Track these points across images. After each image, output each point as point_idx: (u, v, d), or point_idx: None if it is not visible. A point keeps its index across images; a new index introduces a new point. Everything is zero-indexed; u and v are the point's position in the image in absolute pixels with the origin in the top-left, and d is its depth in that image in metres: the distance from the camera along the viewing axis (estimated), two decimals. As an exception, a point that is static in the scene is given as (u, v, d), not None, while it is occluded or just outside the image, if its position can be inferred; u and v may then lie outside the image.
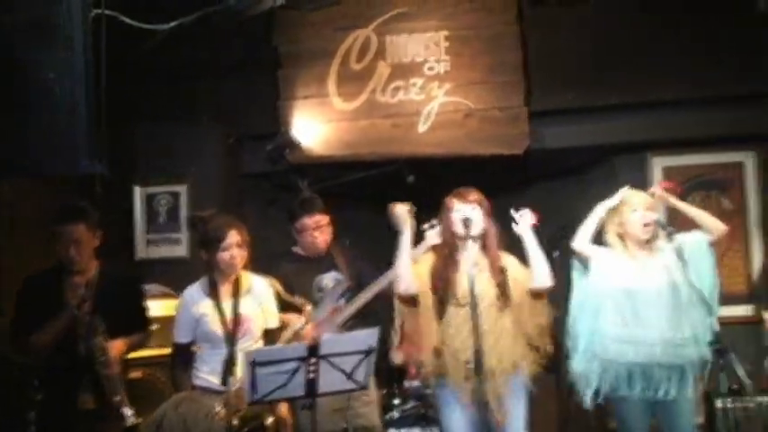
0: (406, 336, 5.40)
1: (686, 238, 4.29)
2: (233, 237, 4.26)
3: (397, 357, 5.33)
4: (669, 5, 5.92)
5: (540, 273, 4.13)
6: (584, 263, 4.38)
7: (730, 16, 5.82)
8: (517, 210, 4.17)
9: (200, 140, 6.37)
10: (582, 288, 4.40)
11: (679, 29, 5.92)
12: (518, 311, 4.13)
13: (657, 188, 4.51)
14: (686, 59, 5.91)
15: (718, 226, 4.35)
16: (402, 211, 4.24)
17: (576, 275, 4.44)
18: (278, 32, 6.26)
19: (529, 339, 4.14)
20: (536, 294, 4.17)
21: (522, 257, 4.23)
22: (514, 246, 4.25)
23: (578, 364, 4.34)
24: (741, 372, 3.89)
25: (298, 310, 4.49)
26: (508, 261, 4.21)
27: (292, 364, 3.67)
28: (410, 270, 4.15)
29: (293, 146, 6.12)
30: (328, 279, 4.91)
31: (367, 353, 3.83)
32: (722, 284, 5.64)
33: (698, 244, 4.30)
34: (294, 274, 4.80)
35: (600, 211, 4.39)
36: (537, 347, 4.15)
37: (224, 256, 4.26)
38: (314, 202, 4.96)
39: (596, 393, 4.29)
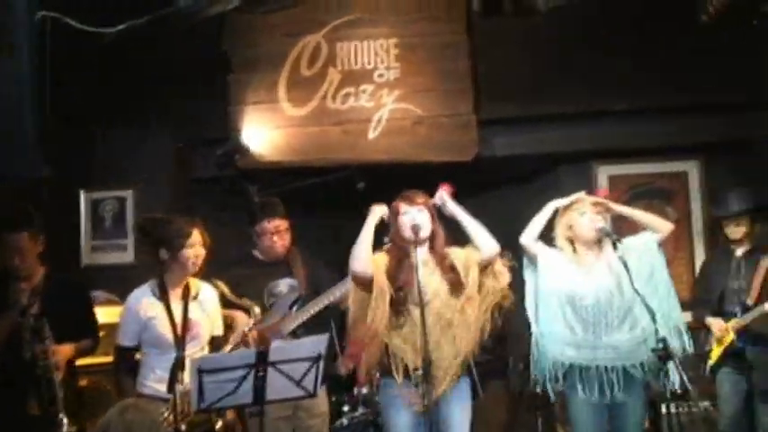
0: (355, 338, 5.41)
1: (635, 241, 4.36)
2: (197, 235, 4.26)
3: (344, 366, 5.31)
4: (615, 19, 6.04)
5: (483, 241, 4.14)
6: (533, 260, 4.42)
7: (673, 29, 5.95)
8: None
9: (148, 145, 6.32)
10: (533, 284, 4.44)
11: (624, 41, 6.03)
12: (473, 306, 4.15)
13: (597, 197, 4.54)
14: (631, 71, 6.02)
15: (664, 224, 4.44)
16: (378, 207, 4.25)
17: (527, 274, 4.48)
18: (228, 37, 6.23)
19: (483, 329, 4.15)
20: (489, 263, 4.18)
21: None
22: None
23: (535, 366, 4.39)
24: (685, 377, 3.95)
25: (245, 311, 4.46)
26: (453, 252, 4.24)
27: (240, 372, 3.64)
28: (369, 252, 4.14)
29: (243, 151, 6.10)
30: (283, 285, 4.90)
31: (316, 360, 3.82)
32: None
33: (647, 245, 4.37)
34: (248, 278, 4.79)
35: (550, 208, 4.45)
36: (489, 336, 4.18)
37: (188, 253, 4.23)
38: (275, 206, 4.94)
39: (549, 395, 4.34)
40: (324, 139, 6.11)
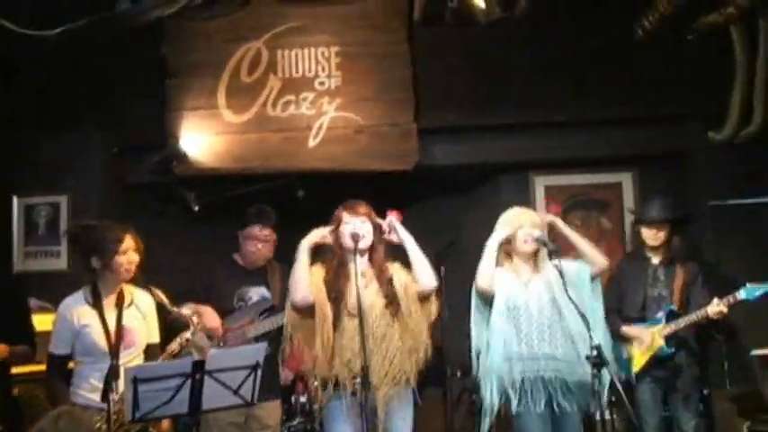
0: (294, 350, 5.39)
1: (570, 266, 4.40)
2: (129, 241, 4.20)
3: (283, 375, 5.28)
4: (554, 32, 6.13)
5: (423, 274, 4.17)
6: (488, 299, 4.45)
7: (611, 42, 6.07)
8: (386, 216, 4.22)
9: (83, 150, 6.21)
10: (480, 307, 4.47)
11: (563, 54, 6.13)
12: (407, 320, 4.16)
13: (548, 214, 4.61)
14: (569, 83, 6.13)
15: (602, 260, 4.51)
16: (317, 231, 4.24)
17: (477, 313, 4.49)
18: (168, 42, 6.16)
19: (416, 345, 4.17)
20: (423, 296, 4.21)
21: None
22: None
23: (481, 378, 4.41)
24: (619, 385, 4.02)
25: (183, 320, 4.43)
26: (395, 268, 4.25)
27: (176, 381, 3.60)
28: (308, 280, 4.13)
29: (180, 158, 6.02)
30: (254, 293, 4.93)
31: (254, 368, 3.79)
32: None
33: (580, 274, 4.43)
34: (222, 279, 4.88)
35: (493, 245, 4.46)
36: (424, 353, 4.19)
37: (122, 259, 4.17)
38: (270, 215, 5.00)
39: (494, 408, 4.36)
40: (264, 146, 6.07)
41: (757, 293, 5.00)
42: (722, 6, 5.60)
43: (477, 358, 4.48)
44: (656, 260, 5.39)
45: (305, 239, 4.18)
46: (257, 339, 4.75)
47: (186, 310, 4.39)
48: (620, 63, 6.11)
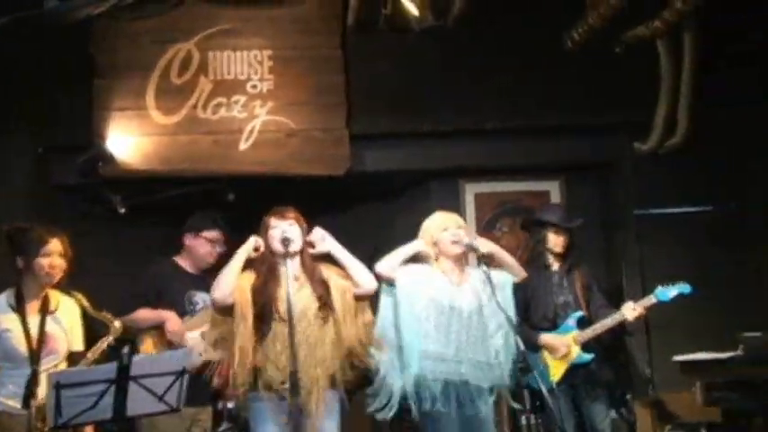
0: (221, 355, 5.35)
1: (495, 275, 4.44)
2: (55, 244, 4.15)
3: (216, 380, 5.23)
4: (486, 39, 6.20)
5: (361, 277, 4.19)
6: (391, 284, 4.45)
7: (540, 52, 6.17)
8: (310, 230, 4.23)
9: (8, 149, 6.04)
10: (388, 305, 4.46)
11: (494, 62, 6.20)
12: (341, 323, 4.16)
13: (464, 238, 4.57)
14: (500, 91, 6.19)
15: (521, 271, 4.60)
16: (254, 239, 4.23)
17: (383, 296, 4.50)
18: (96, 41, 6.02)
19: (351, 349, 4.17)
20: (365, 298, 4.23)
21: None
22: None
23: (395, 380, 4.41)
24: (544, 389, 4.08)
25: (104, 326, 4.37)
26: (330, 272, 4.25)
27: (100, 386, 3.53)
28: (234, 282, 4.10)
29: (107, 159, 5.90)
30: (200, 297, 4.92)
31: (179, 374, 3.75)
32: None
33: (503, 283, 4.49)
34: (173, 282, 4.91)
35: (408, 251, 4.48)
36: (358, 357, 4.19)
37: (43, 262, 4.09)
38: (224, 221, 5.09)
39: (410, 410, 4.37)
40: (193, 148, 5.99)
41: (671, 294, 5.13)
42: (649, 20, 5.73)
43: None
44: (556, 267, 5.43)
45: (244, 248, 4.17)
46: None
47: (107, 315, 4.30)
48: (550, 73, 6.20)
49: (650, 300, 5.15)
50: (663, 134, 6.15)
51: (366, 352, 4.23)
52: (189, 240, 5.07)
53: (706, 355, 4.89)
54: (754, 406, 4.59)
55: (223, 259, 4.74)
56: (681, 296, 5.18)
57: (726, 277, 6.18)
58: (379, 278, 4.42)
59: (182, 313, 4.87)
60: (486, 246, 4.50)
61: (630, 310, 5.13)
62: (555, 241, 5.39)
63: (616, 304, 5.36)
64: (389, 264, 4.43)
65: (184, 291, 4.95)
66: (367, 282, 4.21)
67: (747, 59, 6.13)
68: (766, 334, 4.56)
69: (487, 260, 4.35)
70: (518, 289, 5.13)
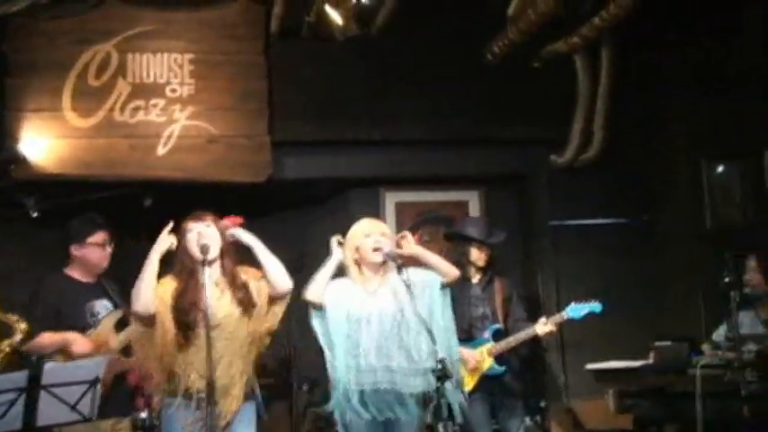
0: (135, 363, 5.26)
1: (419, 274, 4.46)
2: None
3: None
4: (409, 50, 6.25)
5: (277, 276, 4.15)
6: (320, 308, 4.44)
7: (462, 65, 6.25)
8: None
9: None
10: (323, 331, 4.44)
11: (417, 73, 6.26)
12: (261, 325, 4.13)
13: (385, 247, 4.57)
14: (421, 103, 6.26)
15: (452, 270, 4.59)
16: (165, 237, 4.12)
17: (315, 322, 4.46)
18: (9, 39, 5.84)
19: (260, 338, 4.15)
20: (278, 298, 4.19)
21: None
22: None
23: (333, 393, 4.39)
24: (459, 398, 4.12)
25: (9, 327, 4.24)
26: (249, 274, 4.21)
27: (9, 395, 3.42)
28: (152, 291, 4.02)
29: (19, 160, 5.73)
30: (100, 306, 4.76)
31: (93, 383, 3.66)
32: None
33: (430, 283, 4.49)
34: (69, 297, 4.68)
35: (331, 265, 4.46)
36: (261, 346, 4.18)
37: None
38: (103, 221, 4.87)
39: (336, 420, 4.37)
40: (110, 152, 5.86)
41: (582, 313, 5.26)
42: (568, 36, 5.87)
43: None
44: (475, 279, 5.51)
45: (154, 248, 4.07)
46: (124, 351, 4.65)
47: (12, 318, 4.17)
48: (471, 86, 6.30)
49: (562, 317, 5.28)
50: (579, 148, 6.30)
51: (268, 342, 4.20)
52: (76, 251, 4.81)
53: (618, 363, 5.01)
54: (665, 413, 4.71)
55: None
56: (591, 314, 5.32)
57: (638, 287, 6.37)
58: (310, 303, 4.41)
59: (84, 326, 4.71)
60: (410, 248, 4.52)
61: (542, 326, 5.24)
62: (477, 256, 5.44)
63: (534, 313, 5.46)
64: (317, 290, 4.38)
65: (83, 303, 4.74)
66: (282, 282, 4.16)
67: (662, 75, 6.34)
68: (676, 343, 4.68)
69: (406, 267, 4.35)
70: None
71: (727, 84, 6.14)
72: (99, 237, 4.80)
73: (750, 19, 5.88)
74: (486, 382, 5.33)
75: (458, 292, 5.31)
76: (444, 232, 5.89)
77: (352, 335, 4.36)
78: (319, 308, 4.39)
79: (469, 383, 5.30)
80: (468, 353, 5.29)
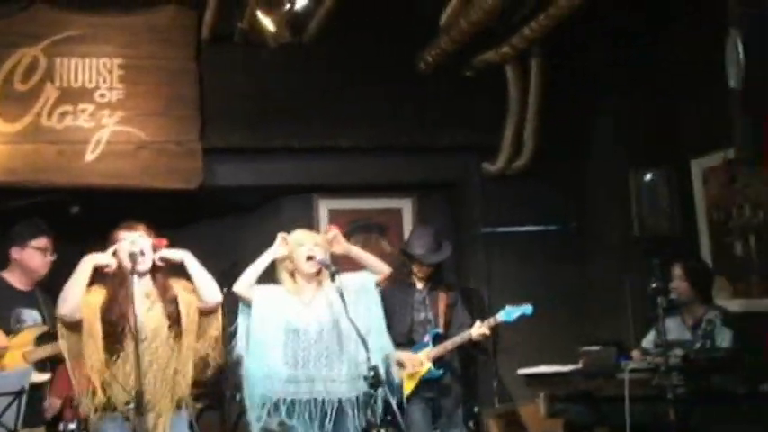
0: (64, 373, 5.15)
1: (353, 278, 4.48)
2: None
3: (50, 401, 5.00)
4: (343, 58, 6.26)
5: (206, 289, 4.11)
6: (247, 304, 4.42)
7: (394, 73, 6.28)
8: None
9: None
10: (245, 329, 4.43)
11: (350, 81, 6.26)
12: (191, 339, 4.09)
13: (331, 232, 4.63)
14: (354, 110, 6.26)
15: (384, 267, 4.63)
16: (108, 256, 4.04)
17: (241, 318, 4.45)
18: (-69, 42, 5.69)
19: (200, 362, 4.10)
20: (208, 312, 4.15)
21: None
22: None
23: (250, 403, 4.35)
24: (395, 403, 4.13)
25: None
26: (179, 286, 4.16)
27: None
28: (81, 296, 3.94)
29: (-59, 166, 5.57)
30: (27, 315, 4.73)
31: (18, 394, 3.57)
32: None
33: (364, 284, 4.52)
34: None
35: (266, 258, 4.46)
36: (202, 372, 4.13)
37: None
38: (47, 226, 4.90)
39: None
40: (37, 158, 5.71)
41: (515, 315, 5.39)
42: (499, 46, 5.94)
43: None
44: (420, 285, 5.62)
45: (90, 257, 4.00)
46: (38, 364, 4.60)
47: None
48: (404, 94, 6.34)
49: (497, 319, 5.39)
50: (510, 156, 6.38)
51: (209, 368, 4.17)
52: (17, 254, 4.80)
53: (549, 368, 5.08)
54: (594, 417, 4.78)
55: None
56: (523, 317, 5.42)
57: (568, 293, 6.48)
58: (237, 298, 4.38)
59: (7, 331, 4.63)
60: (341, 247, 4.55)
61: (476, 329, 5.36)
62: (419, 268, 5.63)
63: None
64: (245, 282, 4.39)
65: (12, 308, 4.71)
66: (210, 296, 4.13)
67: (592, 86, 6.46)
68: (604, 348, 4.76)
69: (339, 274, 4.35)
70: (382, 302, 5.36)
71: (655, 94, 6.30)
72: (41, 242, 4.80)
73: (677, 31, 6.05)
74: (426, 387, 5.44)
75: (402, 296, 5.49)
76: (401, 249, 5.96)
77: (289, 344, 4.35)
78: (248, 304, 4.37)
79: (408, 387, 5.43)
80: (406, 356, 5.37)
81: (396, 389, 5.42)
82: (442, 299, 5.62)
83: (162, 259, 4.13)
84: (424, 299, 5.61)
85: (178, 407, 4.05)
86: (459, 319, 5.59)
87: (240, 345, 4.44)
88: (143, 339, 3.91)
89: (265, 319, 4.39)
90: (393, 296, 5.54)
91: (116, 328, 3.95)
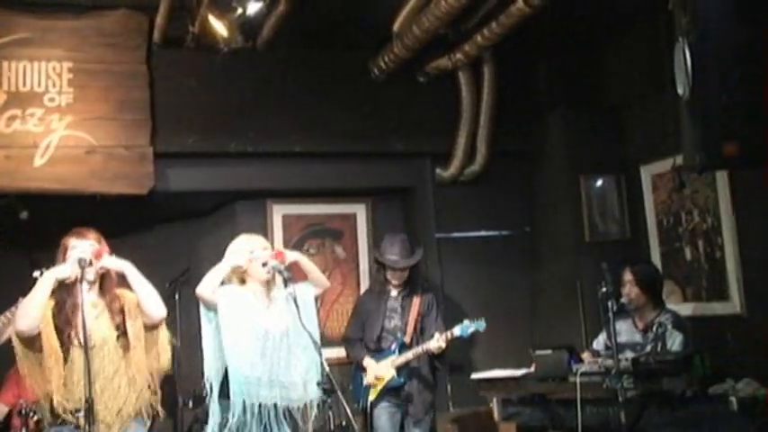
0: (13, 380, 5.07)
1: (298, 288, 4.44)
2: None
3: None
4: (296, 63, 6.25)
5: (148, 303, 4.05)
6: (211, 308, 4.34)
7: (351, 78, 6.30)
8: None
9: None
10: (211, 332, 4.36)
11: (303, 86, 6.25)
12: (139, 351, 4.04)
13: (271, 260, 4.53)
14: (308, 115, 6.24)
15: (324, 282, 4.63)
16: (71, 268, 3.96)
17: (204, 321, 4.38)
18: None
19: (149, 378, 4.05)
20: (152, 327, 4.10)
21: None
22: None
23: (212, 406, 4.29)
24: (348, 409, 4.13)
25: None
26: (127, 298, 4.10)
27: None
28: (42, 312, 3.87)
29: None
30: None
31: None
32: (333, 327, 6.05)
33: (305, 294, 4.50)
34: None
35: (227, 266, 4.38)
36: (154, 387, 4.08)
37: None
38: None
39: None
40: (-16, 163, 5.60)
41: (469, 331, 5.52)
42: (452, 52, 5.98)
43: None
44: (395, 293, 5.72)
45: (51, 272, 3.91)
46: None
47: None
48: (358, 99, 6.34)
49: (453, 333, 5.51)
50: (463, 161, 6.42)
51: (156, 384, 4.12)
52: None
53: (501, 372, 5.12)
54: (547, 420, 4.83)
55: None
56: (476, 332, 5.53)
57: (521, 297, 6.55)
58: (200, 301, 4.32)
59: None
60: (292, 255, 4.53)
61: (434, 342, 5.49)
62: (392, 275, 5.76)
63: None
64: (208, 286, 4.30)
65: None
66: (154, 310, 4.07)
67: (543, 92, 6.54)
68: (556, 351, 4.80)
69: (292, 281, 4.33)
70: (356, 311, 5.82)
71: (606, 100, 6.40)
72: None
73: (627, 37, 6.15)
74: (392, 394, 5.61)
75: (375, 304, 5.60)
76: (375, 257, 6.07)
77: (259, 347, 4.30)
78: (211, 308, 4.31)
79: (374, 393, 5.59)
80: (371, 364, 5.62)
81: (364, 392, 5.58)
82: (415, 306, 5.72)
83: (102, 270, 4.05)
84: (398, 307, 5.75)
85: (130, 416, 4.00)
86: (432, 328, 5.68)
87: (210, 354, 4.35)
88: (91, 348, 3.85)
89: (235, 321, 4.31)
90: (367, 303, 5.66)
91: (61, 336, 3.89)
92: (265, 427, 4.26)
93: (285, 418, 4.31)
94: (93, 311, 3.94)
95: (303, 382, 4.35)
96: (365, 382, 5.62)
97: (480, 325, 5.50)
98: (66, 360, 3.89)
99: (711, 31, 3.72)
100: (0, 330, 4.69)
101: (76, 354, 3.88)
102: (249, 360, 4.27)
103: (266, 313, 4.37)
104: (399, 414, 5.63)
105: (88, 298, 3.93)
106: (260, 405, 4.25)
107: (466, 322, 5.51)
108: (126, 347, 4.02)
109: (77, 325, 3.89)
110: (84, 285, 3.94)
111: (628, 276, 5.00)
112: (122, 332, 4.01)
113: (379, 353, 5.66)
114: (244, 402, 4.23)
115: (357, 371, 5.73)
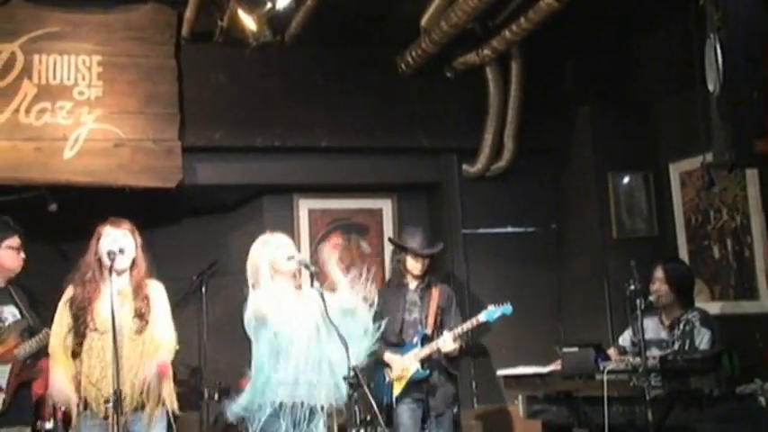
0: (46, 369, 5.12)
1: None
2: None
3: (34, 392, 5.00)
4: (324, 58, 6.26)
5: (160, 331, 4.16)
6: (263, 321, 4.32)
7: (376, 74, 6.29)
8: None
9: None
10: (266, 342, 4.33)
11: (331, 81, 6.26)
12: (154, 330, 4.10)
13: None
14: (336, 110, 6.25)
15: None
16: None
17: (260, 335, 4.35)
18: None
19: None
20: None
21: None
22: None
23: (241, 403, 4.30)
24: (374, 403, 4.14)
25: None
26: (154, 287, 4.15)
27: None
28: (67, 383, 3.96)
29: None
30: (8, 312, 4.75)
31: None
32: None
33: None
34: None
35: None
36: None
37: None
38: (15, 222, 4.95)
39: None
40: (14, 155, 5.63)
41: (496, 316, 5.45)
42: (479, 48, 5.96)
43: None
44: (413, 285, 5.67)
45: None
46: (26, 360, 4.65)
47: None
48: (385, 94, 6.34)
49: (478, 319, 5.45)
50: (490, 157, 6.40)
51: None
52: None
53: (527, 369, 5.10)
54: (573, 418, 4.81)
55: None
56: (504, 317, 5.49)
57: (547, 294, 6.52)
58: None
59: None
60: (330, 271, 4.50)
61: (446, 343, 5.44)
62: (413, 265, 5.70)
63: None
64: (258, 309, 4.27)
65: None
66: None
67: (571, 87, 6.50)
68: (583, 349, 4.78)
69: (319, 277, 4.32)
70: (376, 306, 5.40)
71: (635, 97, 6.35)
72: (14, 241, 4.79)
73: (657, 32, 6.10)
74: (416, 387, 5.53)
75: (395, 296, 5.58)
76: (389, 237, 6.18)
77: (276, 347, 4.29)
78: (262, 321, 4.28)
79: (398, 387, 5.53)
80: (395, 359, 5.54)
81: (386, 389, 5.52)
82: (435, 299, 5.67)
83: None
84: (417, 299, 5.69)
85: (155, 405, 4.04)
86: (452, 322, 5.64)
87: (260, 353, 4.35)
88: (103, 332, 3.91)
89: (259, 325, 4.32)
90: (386, 296, 5.60)
91: (77, 321, 3.95)
92: (295, 424, 4.27)
93: (313, 417, 4.32)
94: (117, 300, 3.98)
95: (331, 380, 4.34)
96: (389, 377, 5.57)
97: (507, 309, 5.46)
98: (83, 347, 3.97)
99: (742, 27, 3.68)
100: (37, 347, 4.73)
101: (95, 341, 3.97)
102: (267, 360, 4.27)
103: (288, 314, 4.33)
104: (420, 410, 5.58)
105: (114, 287, 3.97)
106: (292, 405, 4.25)
107: (491, 307, 5.48)
108: (140, 331, 4.06)
109: (95, 310, 3.96)
110: (115, 275, 3.99)
111: (659, 274, 4.96)
112: (140, 319, 4.06)
113: (401, 347, 5.61)
114: (273, 402, 4.25)
115: (378, 368, 5.66)
